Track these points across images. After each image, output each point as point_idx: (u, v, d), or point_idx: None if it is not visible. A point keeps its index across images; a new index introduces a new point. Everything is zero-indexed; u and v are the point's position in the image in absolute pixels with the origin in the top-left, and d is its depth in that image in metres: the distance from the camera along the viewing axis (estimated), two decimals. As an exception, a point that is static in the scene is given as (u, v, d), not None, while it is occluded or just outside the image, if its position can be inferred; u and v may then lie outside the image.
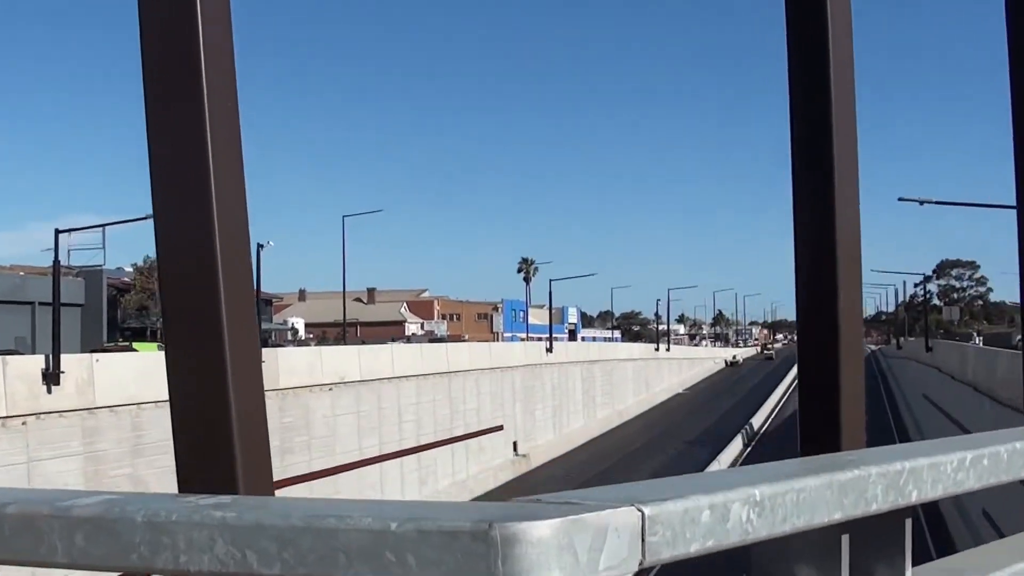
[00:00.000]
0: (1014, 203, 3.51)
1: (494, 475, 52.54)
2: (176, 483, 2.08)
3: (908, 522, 1.83)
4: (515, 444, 57.27)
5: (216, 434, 2.05)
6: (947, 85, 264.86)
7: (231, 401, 2.05)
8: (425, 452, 45.09)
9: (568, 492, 1.26)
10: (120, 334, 62.40)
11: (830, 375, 2.59)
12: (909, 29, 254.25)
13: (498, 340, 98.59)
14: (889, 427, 74.78)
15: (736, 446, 63.96)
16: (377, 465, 40.20)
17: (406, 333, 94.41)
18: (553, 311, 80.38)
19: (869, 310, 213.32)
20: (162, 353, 2.29)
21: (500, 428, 55.02)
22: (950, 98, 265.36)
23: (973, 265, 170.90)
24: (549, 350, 65.97)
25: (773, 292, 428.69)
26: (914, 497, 1.70)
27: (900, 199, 29.25)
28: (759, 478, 1.47)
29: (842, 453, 2.50)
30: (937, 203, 28.92)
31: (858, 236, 2.51)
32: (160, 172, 2.13)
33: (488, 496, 49.94)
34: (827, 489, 1.54)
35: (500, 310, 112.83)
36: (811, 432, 2.73)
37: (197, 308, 2.08)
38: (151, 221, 2.21)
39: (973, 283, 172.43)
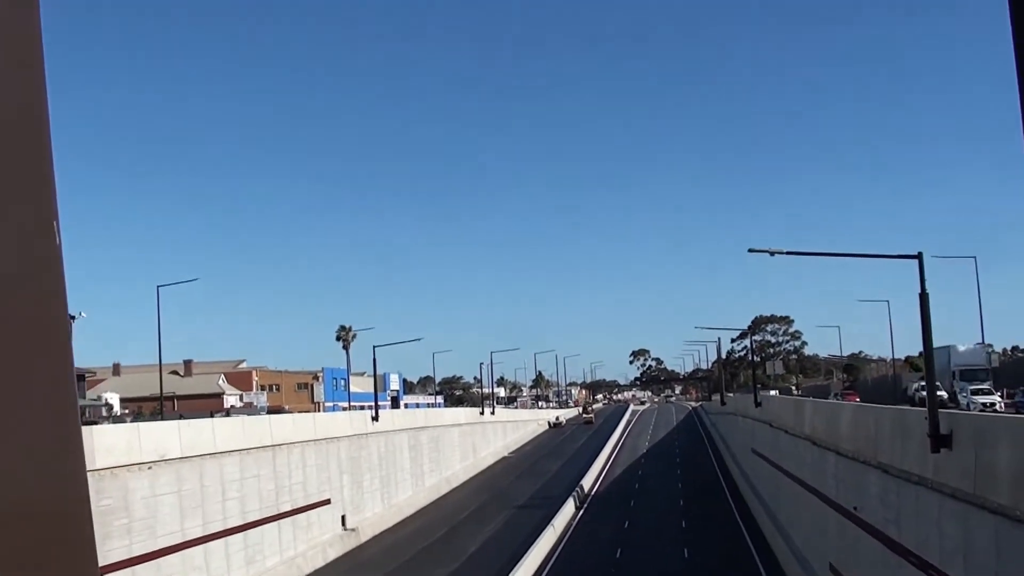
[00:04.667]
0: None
1: (323, 551, 50.59)
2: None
3: None
4: (343, 518, 55.45)
5: (35, 523, 1.75)
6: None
7: (50, 486, 1.80)
8: (251, 530, 42.97)
9: None
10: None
11: None
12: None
13: (319, 410, 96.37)
14: (718, 483, 76.33)
15: (569, 509, 63.61)
16: (201, 546, 37.98)
17: (225, 406, 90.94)
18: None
19: (687, 366, 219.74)
20: None
21: (327, 502, 53.18)
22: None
23: (787, 320, 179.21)
24: (375, 418, 64.31)
25: (592, 352, 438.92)
26: None
27: (751, 250, 29.13)
28: None
29: None
30: (788, 253, 29.09)
31: None
32: None
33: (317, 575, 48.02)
34: None
35: (320, 379, 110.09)
36: None
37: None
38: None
39: (788, 337, 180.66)
